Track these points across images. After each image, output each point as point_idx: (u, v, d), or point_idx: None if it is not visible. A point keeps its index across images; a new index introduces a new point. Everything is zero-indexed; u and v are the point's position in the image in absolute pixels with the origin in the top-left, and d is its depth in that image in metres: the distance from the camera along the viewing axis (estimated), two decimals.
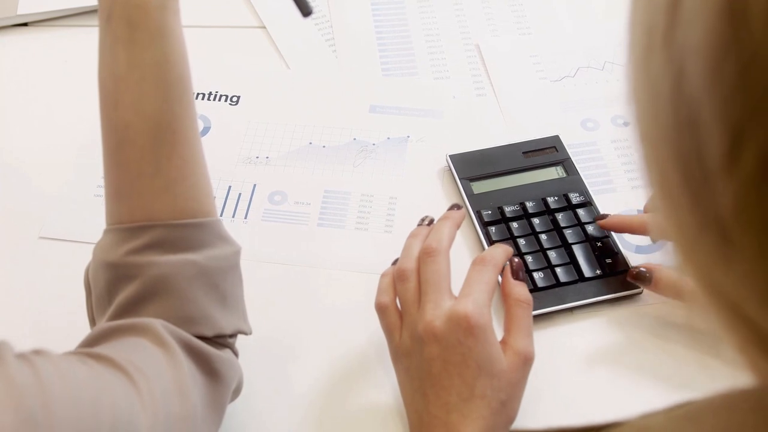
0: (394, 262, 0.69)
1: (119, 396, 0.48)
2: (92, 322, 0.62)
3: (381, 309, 0.66)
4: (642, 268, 0.72)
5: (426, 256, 0.65)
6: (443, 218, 0.69)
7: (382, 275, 0.68)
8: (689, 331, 0.72)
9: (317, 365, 0.72)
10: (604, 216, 0.76)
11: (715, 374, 0.69)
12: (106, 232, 0.60)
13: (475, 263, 0.65)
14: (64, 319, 0.74)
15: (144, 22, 0.57)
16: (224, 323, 0.59)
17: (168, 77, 0.58)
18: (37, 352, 0.47)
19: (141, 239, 0.57)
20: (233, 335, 0.60)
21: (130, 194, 0.58)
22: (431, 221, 0.71)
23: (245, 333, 0.61)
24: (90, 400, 0.46)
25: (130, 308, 0.57)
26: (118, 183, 0.59)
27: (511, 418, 0.62)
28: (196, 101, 0.93)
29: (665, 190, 0.31)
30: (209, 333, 0.58)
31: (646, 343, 0.72)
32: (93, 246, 0.61)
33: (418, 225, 0.71)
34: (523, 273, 0.66)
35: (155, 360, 0.53)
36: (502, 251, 0.66)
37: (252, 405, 0.68)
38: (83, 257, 0.66)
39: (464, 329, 0.60)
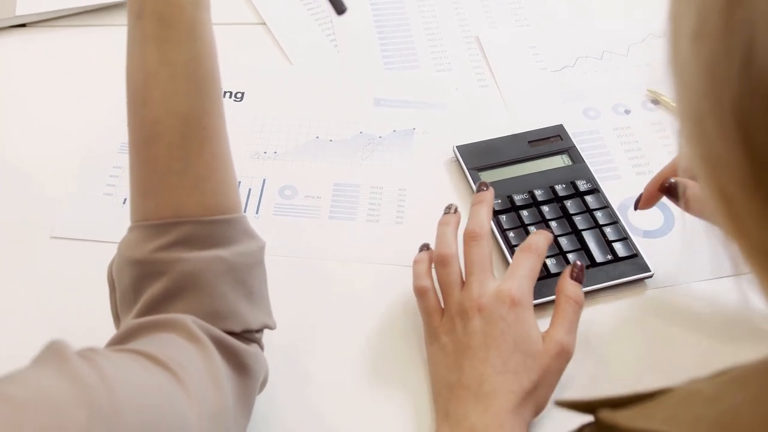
0: (422, 249, 0.73)
1: (171, 393, 0.48)
2: (116, 318, 0.62)
3: (422, 292, 0.69)
4: (674, 180, 0.70)
5: (470, 239, 0.69)
6: (478, 202, 0.72)
7: (416, 261, 0.71)
8: (698, 314, 0.74)
9: (333, 356, 0.72)
10: (639, 198, 0.76)
11: (725, 358, 0.71)
12: (132, 228, 0.60)
13: (522, 249, 0.69)
14: (78, 317, 0.74)
15: (177, 19, 0.57)
16: (251, 318, 0.59)
17: (199, 74, 0.58)
18: (93, 350, 0.47)
19: (169, 236, 0.57)
20: (260, 330, 0.61)
21: (157, 191, 0.58)
22: (456, 209, 0.74)
23: (271, 328, 0.62)
24: (149, 398, 0.46)
25: (158, 305, 0.57)
26: (146, 179, 0.59)
27: (540, 407, 0.64)
28: None
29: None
30: (237, 328, 0.58)
31: (657, 326, 0.73)
32: (105, 244, 0.61)
33: (445, 213, 0.73)
34: (583, 276, 0.68)
35: (190, 355, 0.53)
36: (544, 238, 0.70)
37: (270, 397, 0.68)
38: (96, 255, 0.66)
39: (507, 305, 0.64)
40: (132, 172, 0.60)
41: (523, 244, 0.70)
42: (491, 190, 0.74)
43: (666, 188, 0.71)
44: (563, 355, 0.64)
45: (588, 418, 0.45)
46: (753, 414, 0.33)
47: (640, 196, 0.76)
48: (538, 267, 0.68)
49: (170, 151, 0.58)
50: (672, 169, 0.73)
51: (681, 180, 0.70)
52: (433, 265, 0.71)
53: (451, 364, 0.65)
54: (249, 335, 0.60)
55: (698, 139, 0.32)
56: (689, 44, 0.31)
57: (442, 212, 0.74)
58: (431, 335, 0.68)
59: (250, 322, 0.59)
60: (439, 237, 0.71)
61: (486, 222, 0.70)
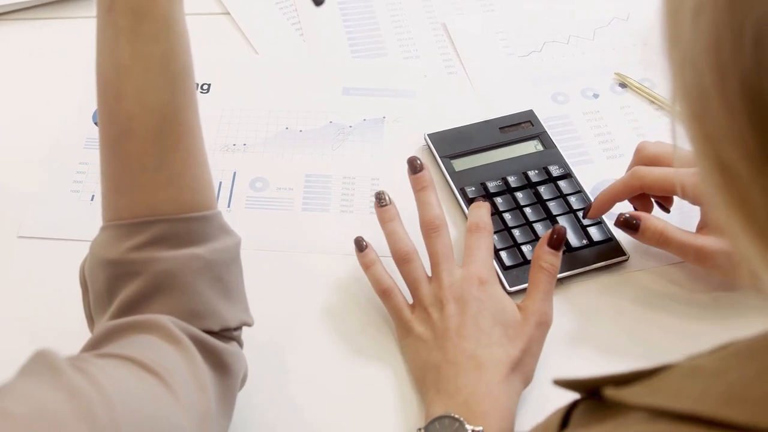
0: (361, 246, 0.72)
1: (165, 401, 0.47)
2: (90, 320, 0.61)
3: (386, 293, 0.69)
4: (628, 215, 0.71)
5: (431, 231, 0.70)
6: (422, 188, 0.72)
7: (367, 266, 0.71)
8: (674, 296, 0.75)
9: (310, 349, 0.72)
10: (588, 207, 0.76)
11: (701, 338, 0.71)
12: (104, 228, 0.58)
13: (471, 231, 0.71)
14: (49, 318, 0.72)
15: (151, 13, 0.56)
16: (229, 316, 0.58)
17: (174, 68, 0.57)
18: (82, 359, 0.46)
19: (144, 235, 0.56)
20: (238, 328, 0.60)
21: (131, 188, 0.57)
22: (389, 197, 0.73)
23: (249, 324, 0.61)
24: (145, 408, 0.46)
25: (133, 306, 0.55)
26: (118, 177, 0.57)
27: (528, 377, 0.65)
28: None
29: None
30: (216, 327, 0.57)
31: (633, 309, 0.74)
32: (74, 242, 0.60)
33: (381, 206, 0.73)
34: (561, 244, 0.68)
35: (173, 359, 0.52)
36: (485, 210, 0.72)
37: (248, 394, 0.67)
38: (65, 254, 0.65)
39: (476, 285, 0.67)
40: (104, 169, 0.58)
41: (469, 224, 0.71)
42: (427, 168, 0.74)
43: (622, 222, 0.72)
44: (543, 324, 0.66)
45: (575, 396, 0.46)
46: (764, 385, 0.33)
47: (589, 205, 0.76)
48: (492, 241, 0.71)
49: (144, 147, 0.56)
50: (624, 186, 0.74)
51: (635, 214, 0.71)
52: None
53: (432, 348, 0.65)
54: (228, 333, 0.59)
55: (700, 115, 0.32)
56: (691, 18, 0.31)
57: (377, 204, 0.73)
58: (403, 329, 0.68)
59: (228, 320, 0.58)
60: (391, 235, 0.71)
61: (439, 209, 0.71)
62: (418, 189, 0.73)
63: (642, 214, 0.72)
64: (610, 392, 0.39)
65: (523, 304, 0.67)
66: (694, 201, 0.73)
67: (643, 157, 0.75)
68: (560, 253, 0.68)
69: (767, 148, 0.30)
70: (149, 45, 0.56)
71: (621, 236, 0.77)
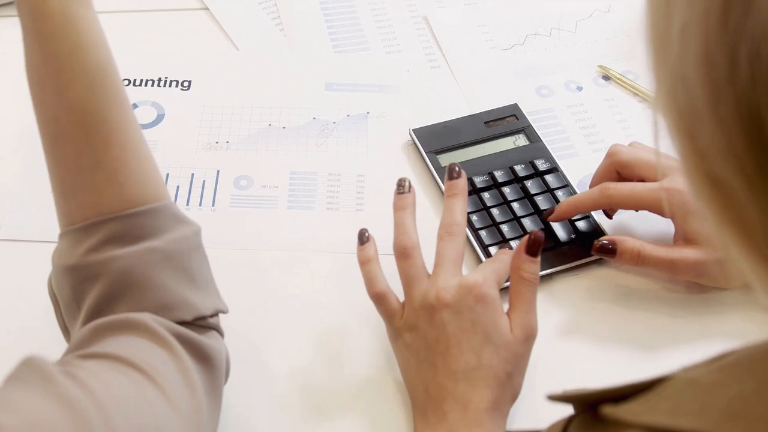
0: (363, 239, 0.68)
1: (157, 403, 0.46)
2: (65, 333, 0.60)
3: (379, 298, 0.66)
4: (605, 241, 0.71)
5: (446, 234, 0.67)
6: (453, 195, 0.69)
7: (363, 262, 0.67)
8: (664, 290, 0.74)
9: (297, 349, 0.71)
10: (550, 211, 0.76)
11: (691, 335, 0.72)
12: (61, 236, 0.58)
13: (486, 261, 0.68)
14: (32, 322, 0.71)
15: (46, 12, 0.55)
16: (200, 304, 0.57)
17: (85, 65, 0.56)
18: (70, 363, 0.45)
19: (96, 236, 0.55)
20: (213, 315, 0.59)
21: (75, 192, 0.56)
22: (410, 184, 0.70)
23: (223, 311, 0.60)
24: (139, 414, 0.45)
25: (101, 309, 0.55)
26: (62, 182, 0.57)
27: (516, 393, 0.63)
28: (146, 88, 0.90)
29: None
30: (188, 317, 0.56)
31: (623, 303, 0.74)
32: (55, 245, 0.59)
33: (399, 192, 0.69)
34: (538, 249, 0.65)
35: (160, 358, 0.52)
36: (508, 256, 0.67)
37: (230, 396, 0.66)
38: (47, 257, 0.63)
39: (474, 296, 0.62)
40: (50, 175, 0.58)
41: (487, 260, 0.69)
42: (464, 175, 0.70)
43: (598, 249, 0.71)
44: (530, 338, 0.64)
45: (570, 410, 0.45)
46: (765, 401, 0.33)
47: (552, 208, 0.76)
48: (504, 271, 0.66)
49: (77, 147, 0.56)
50: (593, 202, 0.74)
51: (610, 238, 0.71)
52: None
53: (423, 360, 0.63)
54: (203, 322, 0.58)
55: (691, 131, 0.31)
56: (680, 33, 0.30)
57: (395, 190, 0.70)
58: (394, 333, 0.66)
59: (200, 308, 0.57)
60: (398, 226, 0.68)
61: (463, 218, 0.67)
62: (450, 194, 0.69)
63: (617, 238, 0.71)
64: (608, 410, 0.39)
65: (509, 320, 0.64)
66: (669, 215, 0.72)
67: (615, 163, 0.75)
68: (539, 258, 0.65)
69: (763, 162, 0.29)
70: (53, 44, 0.55)
71: (609, 230, 0.77)
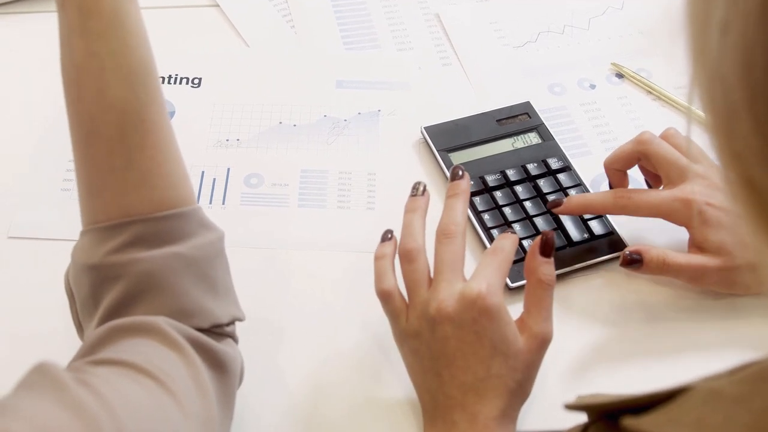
0: (385, 237, 0.67)
1: (170, 411, 0.46)
2: (79, 329, 0.60)
3: (385, 296, 0.64)
4: (632, 254, 0.69)
5: (444, 237, 0.64)
6: (453, 194, 0.67)
7: (377, 258, 0.66)
8: (677, 290, 0.74)
9: (308, 349, 0.71)
10: (558, 202, 0.74)
11: (707, 335, 0.71)
12: (83, 233, 0.57)
13: (487, 253, 0.64)
14: (41, 321, 0.71)
15: (96, 9, 0.54)
16: (219, 312, 0.57)
17: (129, 64, 0.55)
18: (82, 370, 0.45)
19: (121, 237, 0.54)
20: (230, 323, 0.59)
21: (102, 191, 0.55)
22: (425, 188, 0.68)
23: (240, 319, 0.60)
24: (151, 422, 0.44)
25: (119, 310, 0.54)
26: (90, 180, 0.56)
27: (526, 396, 0.62)
28: None
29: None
30: (205, 324, 0.56)
31: (635, 303, 0.73)
32: (66, 242, 0.58)
33: (412, 195, 0.68)
34: (552, 250, 0.63)
35: (173, 363, 0.51)
36: (510, 242, 0.65)
37: (244, 393, 0.65)
38: (57, 255, 0.63)
39: (478, 308, 0.59)
40: (77, 172, 0.57)
41: (489, 248, 0.65)
42: (467, 177, 0.68)
43: (628, 262, 0.69)
44: (545, 345, 0.62)
45: (584, 418, 0.44)
46: None
47: (560, 200, 0.74)
48: (507, 264, 0.63)
49: (110, 147, 0.55)
50: (602, 203, 0.73)
51: (635, 249, 0.69)
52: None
53: (428, 369, 0.61)
54: (219, 330, 0.57)
55: (727, 132, 0.31)
56: (719, 35, 0.30)
57: (409, 193, 0.68)
58: (399, 336, 0.64)
59: (218, 317, 0.57)
60: (405, 228, 0.66)
61: (462, 218, 0.65)
62: (450, 195, 0.67)
63: (641, 248, 0.69)
64: (629, 422, 0.38)
65: (523, 325, 0.62)
66: (685, 225, 0.71)
67: (641, 152, 0.73)
68: (552, 258, 0.63)
69: None
70: (100, 42, 0.55)
71: (622, 229, 0.76)
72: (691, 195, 0.68)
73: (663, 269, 0.69)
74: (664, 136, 0.74)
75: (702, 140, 0.34)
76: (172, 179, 0.57)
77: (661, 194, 0.71)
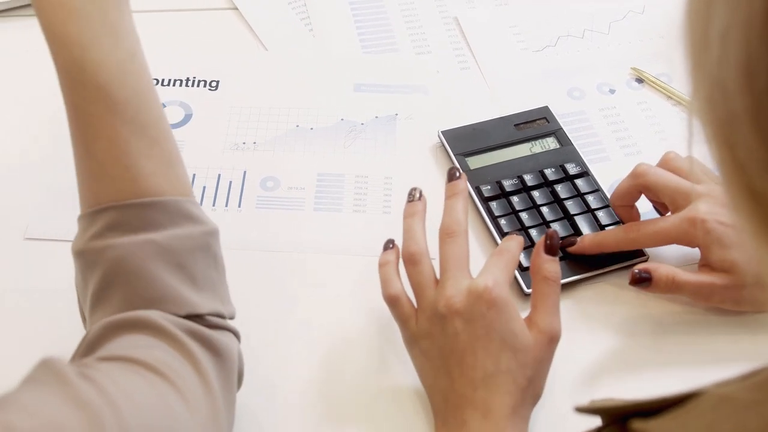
0: (387, 246, 0.69)
1: (175, 407, 0.46)
2: (84, 320, 0.60)
3: (392, 300, 0.65)
4: (640, 272, 0.69)
5: (447, 236, 0.65)
6: (452, 194, 0.68)
7: (381, 264, 0.67)
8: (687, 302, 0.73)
9: (322, 353, 0.70)
10: (572, 242, 0.74)
11: (726, 344, 0.70)
12: (77, 221, 0.58)
13: (493, 254, 0.65)
14: (56, 322, 0.71)
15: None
16: (196, 301, 0.56)
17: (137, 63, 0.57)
18: (87, 366, 0.45)
19: (99, 222, 0.55)
20: (211, 315, 0.57)
21: (79, 180, 0.57)
22: (421, 193, 0.70)
23: (223, 316, 0.58)
24: (156, 418, 0.44)
25: (101, 295, 0.55)
26: (76, 168, 0.58)
27: (538, 396, 0.62)
28: (174, 88, 0.90)
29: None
30: (182, 312, 0.55)
31: (653, 310, 0.73)
32: None
33: (409, 201, 0.69)
34: (557, 247, 0.64)
35: (173, 356, 0.51)
36: (516, 243, 0.66)
37: (249, 398, 0.65)
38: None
39: (486, 302, 0.60)
40: (75, 161, 0.59)
41: (494, 250, 0.66)
42: (464, 177, 0.69)
43: (637, 281, 0.69)
44: (554, 341, 0.62)
45: (597, 421, 0.44)
46: None
47: (574, 239, 0.74)
48: (513, 262, 0.64)
49: (74, 138, 0.57)
50: (615, 240, 0.72)
51: (643, 267, 0.68)
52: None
53: (439, 368, 0.62)
54: (209, 320, 0.56)
55: (729, 140, 0.30)
56: (720, 41, 0.29)
57: (406, 200, 0.70)
58: (409, 339, 0.65)
59: (194, 305, 0.56)
60: (406, 232, 0.67)
61: (463, 217, 0.66)
62: (449, 196, 0.68)
63: (650, 266, 0.69)
64: (639, 425, 0.37)
65: (531, 322, 0.62)
66: (697, 246, 0.71)
67: (640, 185, 0.73)
68: (558, 258, 0.64)
69: None
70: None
71: None
72: (697, 215, 0.68)
73: (672, 288, 0.69)
74: (664, 161, 0.73)
75: (703, 155, 0.33)
76: (159, 168, 0.57)
77: (669, 220, 0.70)
